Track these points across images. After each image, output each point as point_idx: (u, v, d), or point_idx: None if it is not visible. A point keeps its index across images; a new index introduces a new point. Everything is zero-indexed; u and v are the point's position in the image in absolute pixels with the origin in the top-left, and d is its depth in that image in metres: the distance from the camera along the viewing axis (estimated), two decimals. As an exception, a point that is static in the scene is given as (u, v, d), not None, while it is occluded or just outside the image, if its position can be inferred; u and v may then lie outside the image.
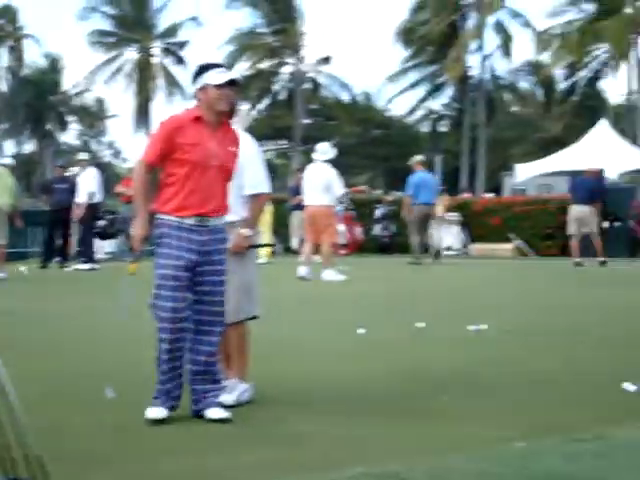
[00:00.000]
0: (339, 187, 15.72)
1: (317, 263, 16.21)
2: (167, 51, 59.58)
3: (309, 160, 16.16)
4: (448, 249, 24.04)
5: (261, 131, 55.18)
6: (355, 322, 9.77)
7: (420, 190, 19.87)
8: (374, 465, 4.40)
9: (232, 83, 5.52)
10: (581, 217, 19.95)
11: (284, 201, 24.28)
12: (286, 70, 54.75)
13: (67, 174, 20.28)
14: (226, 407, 5.54)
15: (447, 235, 24.21)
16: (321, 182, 15.49)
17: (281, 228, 23.53)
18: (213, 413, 5.43)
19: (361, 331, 9.18)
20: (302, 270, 15.53)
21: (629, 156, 26.88)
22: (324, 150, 15.97)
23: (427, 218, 20.20)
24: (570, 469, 4.36)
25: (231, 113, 5.68)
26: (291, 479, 4.27)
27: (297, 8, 53.46)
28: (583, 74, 54.98)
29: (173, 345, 5.38)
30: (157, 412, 5.36)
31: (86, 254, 19.17)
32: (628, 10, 44.50)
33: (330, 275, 15.46)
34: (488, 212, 26.08)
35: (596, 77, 54.30)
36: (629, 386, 6.15)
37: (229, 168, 5.53)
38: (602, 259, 19.60)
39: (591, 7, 47.82)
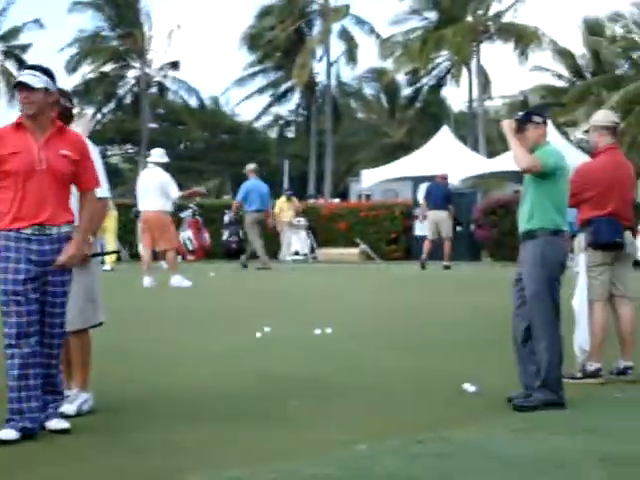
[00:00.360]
0: (174, 191, 15.54)
1: (162, 269, 16.06)
2: (8, 54, 57.82)
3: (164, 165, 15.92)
4: (296, 254, 24.15)
5: (107, 135, 54.31)
6: (200, 330, 9.70)
7: (251, 197, 20.17)
8: (216, 471, 4.39)
9: (23, 85, 5.25)
10: (437, 221, 20.43)
11: (130, 206, 23.90)
12: (132, 74, 53.96)
13: None
14: (68, 417, 5.43)
15: (295, 240, 24.32)
16: (155, 187, 15.28)
17: (127, 234, 23.16)
18: (53, 424, 5.30)
19: (208, 338, 9.11)
20: (146, 281, 15.31)
21: (470, 162, 27.59)
22: (158, 155, 15.83)
23: (259, 224, 20.45)
24: (412, 470, 4.45)
25: (65, 117, 5.55)
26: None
27: (143, 12, 52.76)
28: (426, 81, 56.19)
29: (23, 360, 5.22)
30: (7, 434, 5.14)
31: None
32: (469, 18, 45.74)
33: (177, 281, 15.29)
34: (335, 217, 26.34)
35: (439, 84, 55.55)
36: (469, 387, 6.32)
37: (61, 172, 5.30)
38: (447, 263, 20.10)
39: (433, 15, 48.91)
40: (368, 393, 6.58)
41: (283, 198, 25.56)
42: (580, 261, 7.30)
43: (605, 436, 5.17)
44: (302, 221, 24.39)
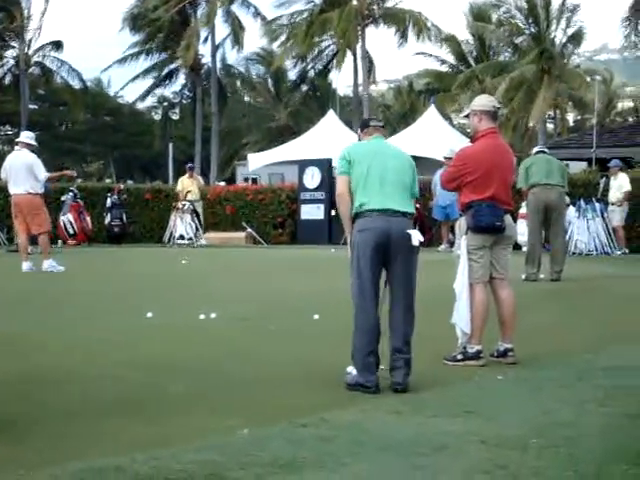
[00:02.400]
0: (42, 172, 15.20)
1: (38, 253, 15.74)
2: None
3: (43, 147, 15.56)
4: (181, 237, 23.93)
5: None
6: (76, 317, 9.51)
7: None
8: (95, 459, 4.29)
9: None
10: None
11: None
12: (10, 54, 52.51)
13: None
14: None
15: (180, 224, 24.09)
16: (23, 169, 14.95)
17: (7, 218, 22.61)
18: None
19: (85, 325, 8.94)
20: (24, 266, 14.96)
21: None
22: (28, 137, 15.52)
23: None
24: (293, 453, 4.42)
25: None
26: (8, 477, 4.07)
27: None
28: (312, 65, 56.29)
29: None
30: None
31: None
32: (354, 2, 45.88)
33: (50, 265, 14.97)
34: (222, 201, 26.20)
35: (325, 68, 55.73)
36: (352, 370, 6.31)
37: None
38: None
39: (318, -2, 48.93)
40: (252, 378, 6.54)
41: (186, 175, 25.21)
42: (461, 244, 7.38)
43: (486, 419, 5.22)
44: (187, 204, 24.16)
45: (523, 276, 13.24)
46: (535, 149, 14.99)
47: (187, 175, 25.05)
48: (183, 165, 45.97)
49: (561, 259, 13.64)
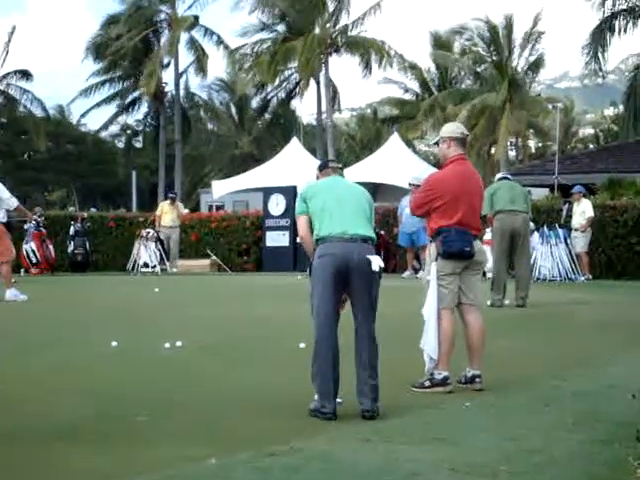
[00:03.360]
0: (11, 199, 15.10)
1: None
2: None
3: (5, 176, 15.43)
4: (145, 266, 23.78)
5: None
6: (39, 343, 9.39)
7: None
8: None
9: None
10: None
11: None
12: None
13: None
14: None
15: (144, 251, 23.95)
16: None
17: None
18: None
19: (48, 353, 8.83)
20: (8, 293, 14.80)
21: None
22: None
23: None
24: (262, 484, 4.37)
25: None
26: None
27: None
28: (276, 93, 56.45)
29: None
30: None
31: None
32: (317, 31, 46.14)
33: (12, 295, 14.81)
34: (185, 228, 26.09)
35: (288, 96, 55.90)
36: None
37: None
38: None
39: (281, 27, 49.10)
40: (217, 406, 6.48)
41: (167, 201, 25.15)
42: (431, 270, 7.36)
43: (456, 446, 5.20)
44: (151, 232, 24.04)
45: (488, 302, 13.27)
46: (498, 175, 15.09)
47: (169, 202, 24.98)
48: (146, 192, 45.62)
49: (526, 285, 13.70)
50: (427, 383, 7.16)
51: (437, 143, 7.70)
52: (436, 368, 7.16)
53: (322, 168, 6.93)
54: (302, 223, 6.52)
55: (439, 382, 7.13)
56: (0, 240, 15.01)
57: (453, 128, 7.68)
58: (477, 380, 7.25)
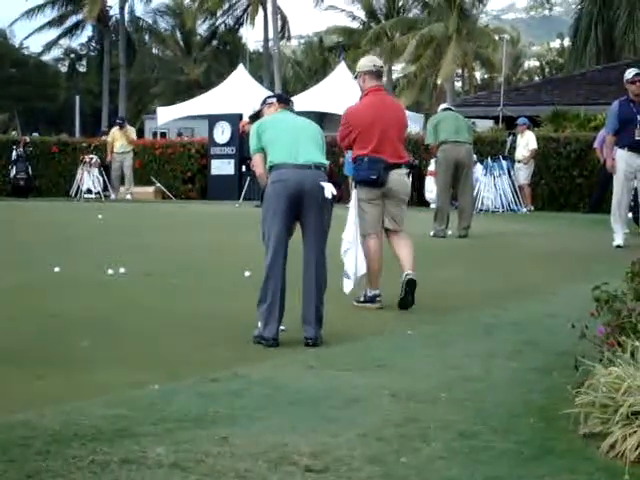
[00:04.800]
0: None
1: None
2: None
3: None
4: (88, 192, 23.52)
5: None
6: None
7: None
8: (5, 415, 4.21)
9: None
10: None
11: None
12: None
13: None
14: None
15: (87, 177, 23.66)
16: None
17: None
18: None
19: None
20: None
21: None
22: None
23: None
24: (205, 408, 4.40)
25: None
26: None
27: None
28: (223, 20, 55.70)
29: None
30: None
31: None
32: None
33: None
34: (129, 155, 25.74)
35: (236, 23, 55.18)
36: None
37: None
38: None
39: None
40: (162, 333, 6.49)
41: (116, 127, 24.67)
42: (351, 197, 7.90)
43: (397, 373, 5.28)
44: (95, 158, 23.74)
45: (431, 232, 13.37)
46: (442, 106, 15.09)
47: (117, 128, 24.54)
48: (90, 117, 44.98)
49: (468, 216, 13.79)
50: (361, 298, 7.68)
51: (356, 77, 8.09)
52: (368, 286, 7.66)
53: (277, 101, 6.90)
54: (257, 161, 6.54)
55: (369, 299, 7.65)
56: None
57: (366, 62, 8.12)
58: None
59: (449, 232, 13.69)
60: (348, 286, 7.55)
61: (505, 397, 4.76)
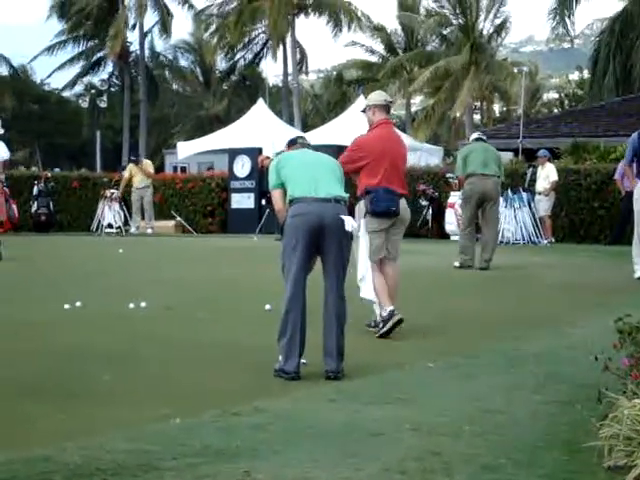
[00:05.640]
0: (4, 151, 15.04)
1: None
2: None
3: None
4: (109, 226, 23.64)
5: None
6: (7, 302, 9.35)
7: None
8: (23, 450, 4.20)
9: None
10: None
11: None
12: None
13: None
14: None
15: (108, 212, 23.79)
16: None
17: None
18: None
19: (14, 310, 8.79)
20: None
21: (285, 135, 27.70)
22: None
23: None
24: (226, 442, 4.39)
25: None
26: None
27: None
28: (242, 54, 56.03)
29: None
30: None
31: None
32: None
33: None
34: (149, 189, 25.87)
35: (255, 57, 55.51)
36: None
37: None
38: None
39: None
40: (182, 367, 6.49)
41: (131, 164, 24.83)
42: (361, 226, 8.07)
43: (419, 406, 5.25)
44: (115, 192, 23.88)
45: (457, 263, 13.36)
46: (473, 135, 15.01)
47: (132, 164, 24.69)
48: (110, 153, 45.19)
49: (491, 249, 13.75)
50: (381, 324, 7.84)
51: (364, 110, 8.36)
52: (381, 309, 7.88)
53: (291, 144, 7.21)
54: (277, 196, 6.60)
55: (387, 317, 7.77)
56: None
57: (377, 96, 8.43)
58: (395, 312, 7.79)
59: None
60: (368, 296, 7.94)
61: (528, 430, 4.73)
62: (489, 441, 4.48)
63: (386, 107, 8.27)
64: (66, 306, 9.09)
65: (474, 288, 11.40)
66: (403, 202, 8.17)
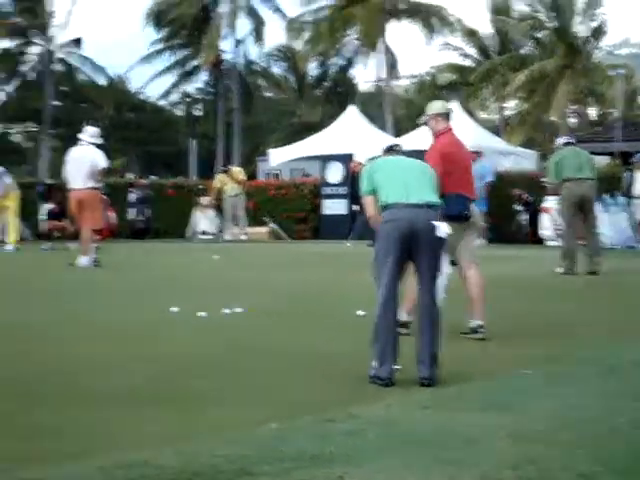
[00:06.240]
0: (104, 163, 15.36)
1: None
2: None
3: (65, 144, 15.69)
4: (203, 233, 23.96)
5: (8, 113, 53.10)
6: (101, 306, 9.52)
7: None
8: (119, 454, 4.27)
9: None
10: None
11: (33, 185, 23.57)
12: (34, 51, 52.66)
13: None
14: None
15: (201, 219, 24.11)
16: (87, 165, 15.04)
17: (30, 214, 22.70)
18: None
19: (113, 316, 8.96)
20: (83, 260, 15.01)
21: (377, 141, 27.71)
22: (93, 133, 15.51)
23: None
24: (321, 448, 4.39)
25: None
26: (34, 472, 4.06)
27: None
28: (335, 60, 56.22)
29: None
30: None
31: None
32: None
33: (85, 262, 15.02)
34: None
35: (347, 64, 55.65)
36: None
37: None
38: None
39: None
40: (276, 372, 6.52)
41: (221, 174, 25.26)
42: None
43: (515, 413, 5.18)
44: (209, 200, 24.19)
45: (561, 270, 13.24)
46: (562, 140, 14.81)
47: (223, 174, 25.08)
48: (205, 160, 45.73)
49: (598, 250, 13.71)
50: (469, 332, 7.94)
51: (425, 121, 8.40)
52: (471, 318, 7.94)
53: (387, 151, 7.33)
54: (369, 203, 6.63)
55: (473, 329, 7.92)
56: (97, 206, 15.30)
57: (439, 105, 8.50)
58: (481, 330, 7.82)
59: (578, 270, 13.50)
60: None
61: (628, 438, 4.63)
62: (586, 449, 4.40)
63: (447, 115, 8.35)
64: (173, 309, 9.28)
65: (572, 294, 11.23)
66: (473, 206, 8.26)
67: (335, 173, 24.84)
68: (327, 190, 24.90)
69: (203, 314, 9.14)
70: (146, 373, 6.44)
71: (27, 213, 22.22)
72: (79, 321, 8.96)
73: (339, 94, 58.56)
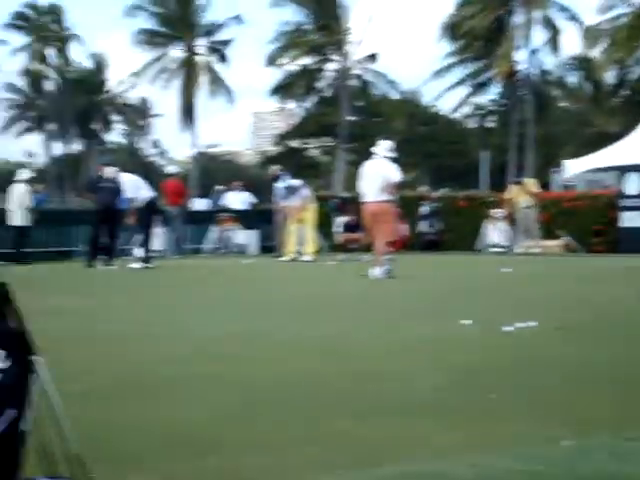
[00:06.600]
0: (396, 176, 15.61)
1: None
2: (211, 49, 59.65)
3: (359, 158, 16.12)
4: (494, 246, 23.76)
5: (307, 129, 55.23)
6: (406, 317, 9.62)
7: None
8: (419, 464, 4.26)
9: None
10: None
11: (328, 198, 24.31)
12: (331, 67, 54.51)
13: (111, 174, 19.84)
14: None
15: (492, 231, 23.93)
16: (381, 178, 15.35)
17: (325, 226, 23.42)
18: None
19: (408, 327, 9.05)
20: (376, 271, 15.37)
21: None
22: (387, 147, 15.77)
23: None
24: (620, 469, 4.18)
25: None
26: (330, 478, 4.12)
27: (341, 4, 53.22)
28: (634, 69, 54.26)
29: None
30: None
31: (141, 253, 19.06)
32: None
33: (380, 272, 15.29)
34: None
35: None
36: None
37: None
38: None
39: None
40: (570, 385, 6.30)
41: (514, 186, 25.42)
42: None
43: None
44: (500, 212, 23.98)
45: None
46: None
47: (515, 186, 25.09)
48: (496, 172, 45.37)
49: None
50: None
51: None
52: None
53: None
54: None
55: None
56: (389, 219, 15.63)
57: None
58: None
59: None
60: None
61: None
62: None
63: None
64: (466, 322, 9.26)
65: None
66: None
67: (634, 184, 23.87)
68: (626, 202, 23.97)
69: (509, 328, 9.01)
70: (434, 386, 6.41)
71: (323, 225, 22.94)
72: (382, 334, 9.12)
73: (638, 103, 56.41)
